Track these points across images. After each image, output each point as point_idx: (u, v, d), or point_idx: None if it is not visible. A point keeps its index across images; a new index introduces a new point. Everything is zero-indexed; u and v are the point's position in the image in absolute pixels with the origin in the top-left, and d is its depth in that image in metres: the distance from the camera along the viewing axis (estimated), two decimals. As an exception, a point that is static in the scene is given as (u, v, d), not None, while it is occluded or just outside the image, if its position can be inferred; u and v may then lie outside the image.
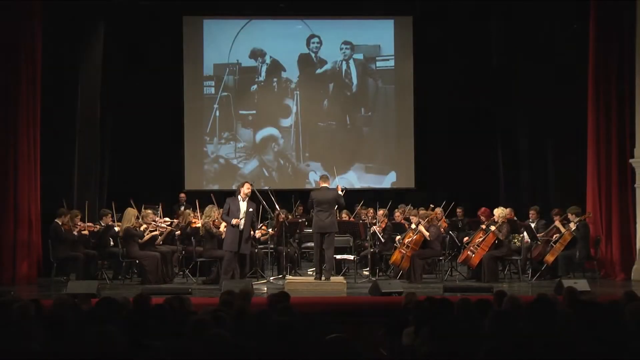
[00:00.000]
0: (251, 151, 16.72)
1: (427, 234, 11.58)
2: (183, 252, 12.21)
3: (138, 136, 15.97)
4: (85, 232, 11.79)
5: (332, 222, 10.78)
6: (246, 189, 10.72)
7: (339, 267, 12.60)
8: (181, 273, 12.25)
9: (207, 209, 11.80)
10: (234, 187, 15.63)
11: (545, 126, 14.84)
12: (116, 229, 11.94)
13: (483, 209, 12.06)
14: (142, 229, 11.63)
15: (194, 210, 13.06)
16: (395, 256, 11.74)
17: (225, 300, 6.16)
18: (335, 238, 12.00)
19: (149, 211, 12.08)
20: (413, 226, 11.86)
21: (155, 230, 11.83)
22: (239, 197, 10.71)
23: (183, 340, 4.58)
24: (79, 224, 11.72)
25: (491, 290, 9.23)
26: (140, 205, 12.46)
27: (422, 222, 11.71)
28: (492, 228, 11.51)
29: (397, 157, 16.70)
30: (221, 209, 11.23)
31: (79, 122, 13.97)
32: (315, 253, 10.83)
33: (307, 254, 14.39)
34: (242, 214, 10.68)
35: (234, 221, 10.53)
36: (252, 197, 11.03)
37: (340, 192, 10.88)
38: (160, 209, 13.19)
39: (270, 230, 12.32)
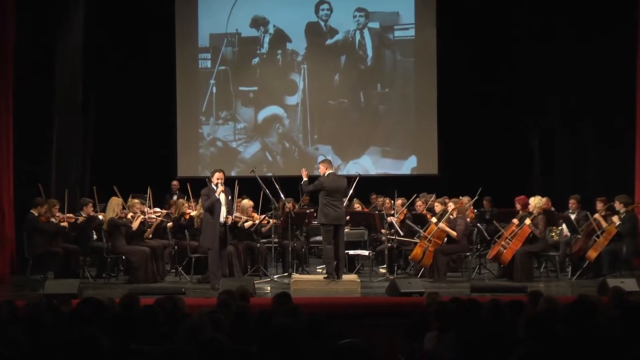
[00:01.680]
0: (252, 133, 16.71)
1: (454, 234, 11.51)
2: (176, 246, 12.22)
3: (124, 117, 15.97)
4: (65, 223, 11.79)
5: (344, 213, 10.84)
6: (215, 178, 10.72)
7: (352, 264, 12.60)
8: (174, 270, 12.28)
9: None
10: (233, 174, 15.70)
11: (586, 104, 14.73)
12: (100, 217, 11.95)
13: (522, 197, 11.99)
14: (129, 216, 11.66)
15: (188, 199, 13.07)
16: (416, 251, 11.73)
17: (224, 301, 6.16)
18: (349, 231, 12.02)
19: (136, 200, 12.08)
20: (434, 220, 11.82)
21: (143, 220, 11.84)
22: (213, 186, 10.70)
23: (176, 345, 4.58)
24: (57, 214, 11.74)
25: (525, 290, 9.21)
26: (126, 194, 12.47)
27: (452, 210, 11.64)
28: (527, 221, 11.45)
29: (418, 140, 16.65)
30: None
31: (57, 103, 13.96)
32: (327, 249, 10.76)
33: (315, 248, 14.39)
34: (224, 207, 10.68)
35: (218, 190, 10.53)
36: (226, 183, 10.97)
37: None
38: (149, 198, 13.20)
39: (272, 219, 12.32)
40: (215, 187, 10.65)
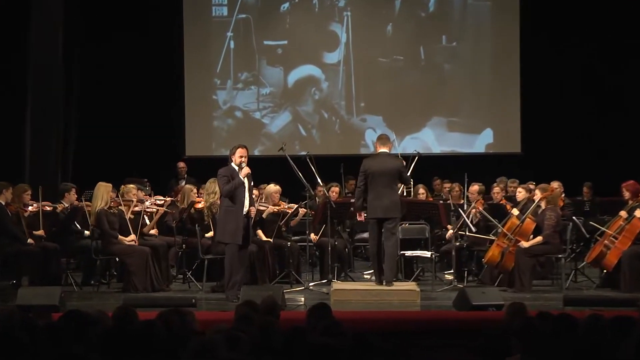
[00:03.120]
0: (281, 100, 16.74)
1: (538, 238, 11.46)
2: (184, 245, 12.27)
3: (116, 80, 16.05)
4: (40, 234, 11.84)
5: (394, 203, 10.79)
6: (238, 156, 10.74)
7: (410, 269, 12.57)
8: (181, 276, 12.34)
9: (209, 182, 11.80)
10: (256, 153, 15.74)
11: None
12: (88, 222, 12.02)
13: (631, 182, 11.87)
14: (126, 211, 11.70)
15: (199, 185, 13.11)
16: (493, 253, 11.66)
17: (245, 315, 6.18)
18: (404, 226, 11.97)
19: (132, 186, 12.11)
20: (516, 211, 11.75)
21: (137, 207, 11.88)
22: (234, 166, 10.67)
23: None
24: (29, 203, 11.80)
25: (635, 303, 9.11)
26: (119, 180, 12.50)
27: (540, 199, 11.57)
28: (638, 213, 11.36)
29: (495, 108, 16.57)
30: None
31: (32, 62, 14.06)
32: (372, 248, 10.84)
33: (362, 248, 14.38)
34: (247, 194, 10.68)
35: (243, 171, 10.52)
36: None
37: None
38: (148, 187, 13.28)
39: (303, 209, 12.31)
40: (237, 168, 10.61)
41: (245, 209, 10.67)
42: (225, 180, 10.59)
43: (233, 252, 10.59)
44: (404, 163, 11.19)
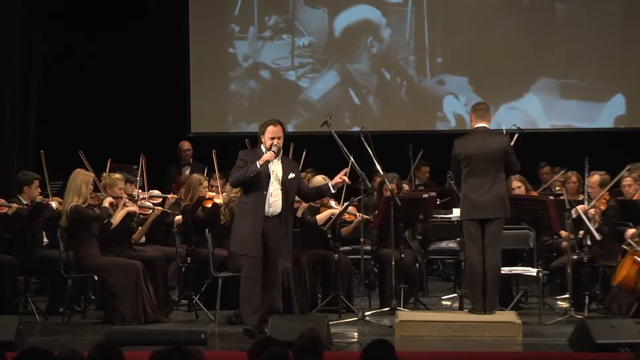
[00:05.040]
0: (324, 54, 16.79)
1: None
2: (189, 258, 12.29)
3: (95, 34, 16.13)
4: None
5: (499, 197, 10.80)
6: (270, 132, 10.67)
7: (507, 292, 12.52)
8: (185, 301, 12.36)
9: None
10: (290, 128, 15.76)
11: None
12: (53, 205, 12.04)
13: None
14: (105, 204, 11.72)
15: (210, 174, 13.13)
16: (626, 270, 11.58)
17: (276, 356, 6.17)
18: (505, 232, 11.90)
19: (118, 175, 12.14)
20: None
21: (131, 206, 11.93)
22: (263, 148, 10.60)
23: None
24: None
25: None
26: (100, 167, 12.55)
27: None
28: None
29: (630, 66, 16.50)
30: None
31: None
32: (471, 259, 10.83)
33: (439, 263, 14.35)
34: (273, 184, 10.60)
35: (264, 157, 10.41)
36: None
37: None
38: (142, 172, 13.32)
39: (360, 215, 12.29)
40: (264, 151, 10.55)
41: (272, 209, 10.56)
42: (241, 165, 10.55)
43: (250, 269, 10.53)
44: (511, 142, 11.13)
